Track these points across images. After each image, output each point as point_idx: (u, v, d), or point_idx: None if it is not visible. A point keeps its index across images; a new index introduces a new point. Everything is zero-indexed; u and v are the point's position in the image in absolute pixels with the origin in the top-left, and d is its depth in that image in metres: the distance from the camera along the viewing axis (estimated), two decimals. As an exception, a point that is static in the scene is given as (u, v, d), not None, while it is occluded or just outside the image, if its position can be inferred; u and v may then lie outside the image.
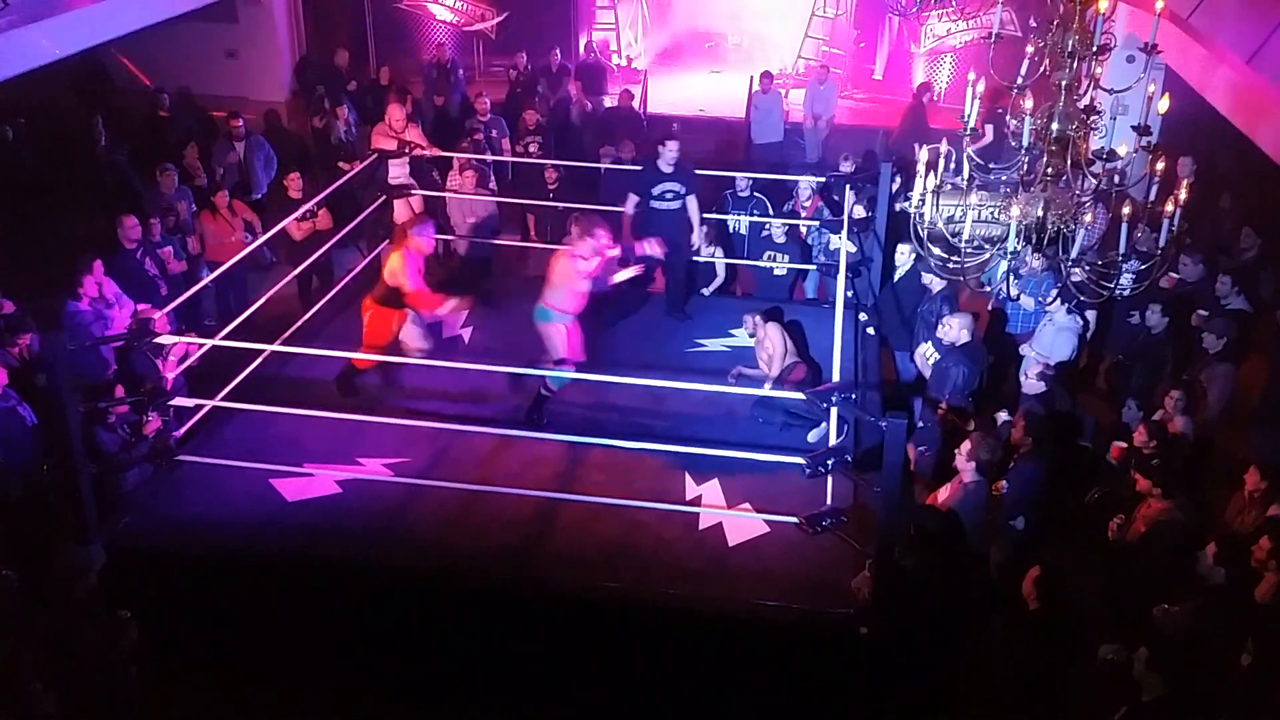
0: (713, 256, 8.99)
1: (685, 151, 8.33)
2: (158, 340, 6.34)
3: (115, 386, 6.50)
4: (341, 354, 6.74)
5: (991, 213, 4.93)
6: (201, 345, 6.85)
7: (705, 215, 8.55)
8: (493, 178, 10.60)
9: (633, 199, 8.16)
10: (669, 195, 8.14)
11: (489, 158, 10.82)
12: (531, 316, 6.86)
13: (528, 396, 6.91)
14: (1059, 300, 7.19)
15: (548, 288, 6.83)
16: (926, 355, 7.56)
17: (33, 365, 6.86)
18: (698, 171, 8.50)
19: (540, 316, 6.83)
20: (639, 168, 8.64)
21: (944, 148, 4.85)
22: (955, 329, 7.09)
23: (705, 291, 9.04)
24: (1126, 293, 6.95)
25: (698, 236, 8.45)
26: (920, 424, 7.33)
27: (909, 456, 7.12)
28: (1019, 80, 4.72)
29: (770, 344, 7.27)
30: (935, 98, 13.53)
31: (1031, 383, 7.02)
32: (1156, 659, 4.77)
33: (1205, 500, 6.19)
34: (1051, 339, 7.38)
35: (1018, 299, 7.93)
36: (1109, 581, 5.92)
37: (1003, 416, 6.94)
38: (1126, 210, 4.44)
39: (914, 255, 7.93)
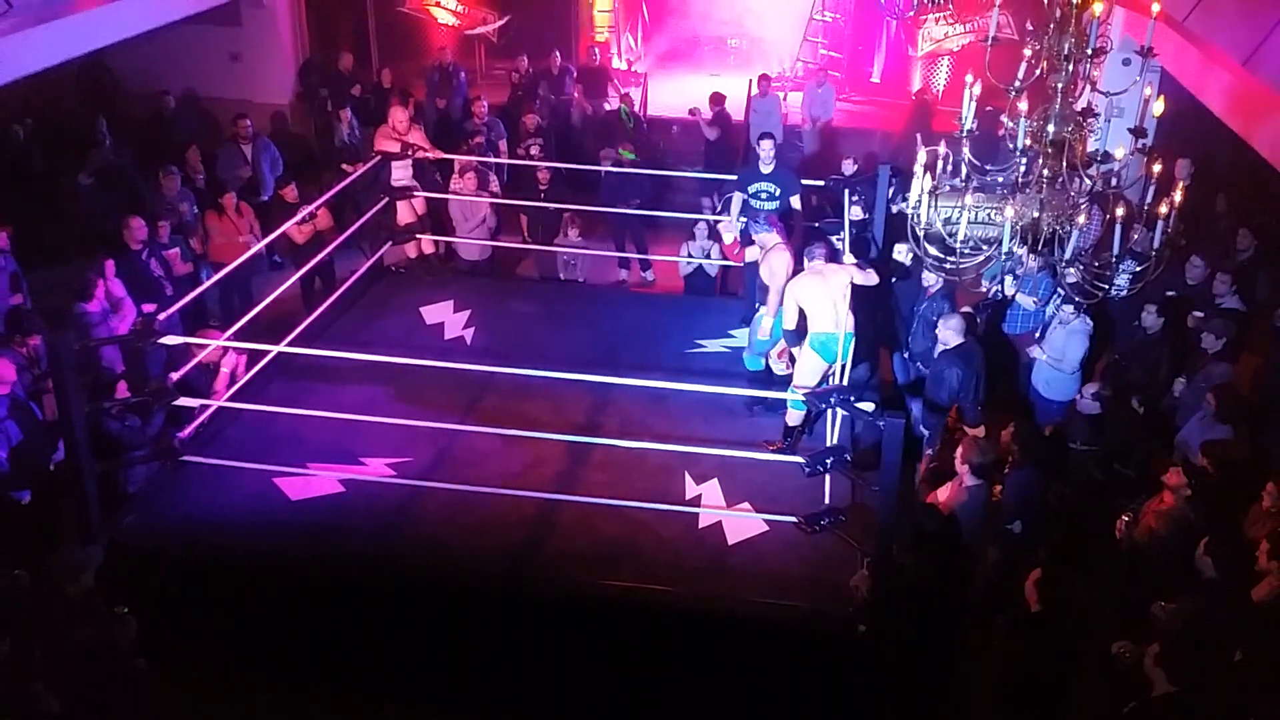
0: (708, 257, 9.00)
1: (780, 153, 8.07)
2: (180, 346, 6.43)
3: (118, 384, 6.54)
4: (342, 354, 6.78)
5: (988, 214, 4.96)
6: (248, 360, 6.95)
7: (706, 217, 8.52)
8: (494, 179, 10.64)
9: (738, 197, 8.05)
10: (764, 195, 8.05)
11: (490, 160, 10.86)
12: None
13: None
14: (1068, 303, 7.22)
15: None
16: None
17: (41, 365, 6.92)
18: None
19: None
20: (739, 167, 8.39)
21: (942, 149, 4.90)
22: (946, 332, 7.14)
23: None
24: (1124, 293, 6.98)
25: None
26: (922, 429, 7.36)
27: (919, 461, 7.17)
28: (1016, 83, 4.76)
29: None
30: (934, 99, 13.57)
31: (1086, 402, 6.98)
32: (1165, 655, 4.78)
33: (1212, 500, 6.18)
34: (1064, 341, 7.39)
35: (1013, 298, 7.97)
36: (1115, 579, 5.92)
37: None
38: (1121, 212, 4.48)
39: (913, 255, 7.95)
